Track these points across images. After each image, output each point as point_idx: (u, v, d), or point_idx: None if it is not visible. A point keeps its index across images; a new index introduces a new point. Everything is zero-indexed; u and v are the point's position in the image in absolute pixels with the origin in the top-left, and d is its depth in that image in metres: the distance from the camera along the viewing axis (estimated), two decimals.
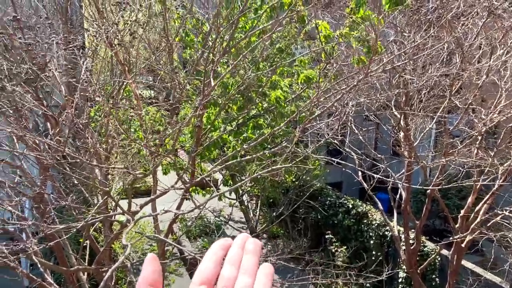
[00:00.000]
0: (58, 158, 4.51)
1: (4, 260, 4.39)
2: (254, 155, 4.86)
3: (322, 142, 6.48)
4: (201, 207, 5.14)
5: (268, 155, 4.64)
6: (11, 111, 4.76)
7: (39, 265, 4.77)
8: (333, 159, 6.58)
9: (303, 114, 6.31)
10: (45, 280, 5.53)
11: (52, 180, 5.07)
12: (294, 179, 10.63)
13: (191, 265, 9.00)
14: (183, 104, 7.46)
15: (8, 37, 4.56)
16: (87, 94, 5.44)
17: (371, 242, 10.15)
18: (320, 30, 6.13)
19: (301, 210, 11.20)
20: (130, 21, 4.46)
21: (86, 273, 5.99)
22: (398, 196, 7.90)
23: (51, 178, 5.00)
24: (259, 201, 11.05)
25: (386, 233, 9.81)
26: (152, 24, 5.77)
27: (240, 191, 9.61)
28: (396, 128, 7.04)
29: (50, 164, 5.03)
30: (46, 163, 5.11)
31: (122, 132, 5.56)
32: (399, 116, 6.81)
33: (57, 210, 5.84)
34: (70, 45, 5.04)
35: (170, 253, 8.32)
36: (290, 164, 4.58)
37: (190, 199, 5.89)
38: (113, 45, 5.03)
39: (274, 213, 10.57)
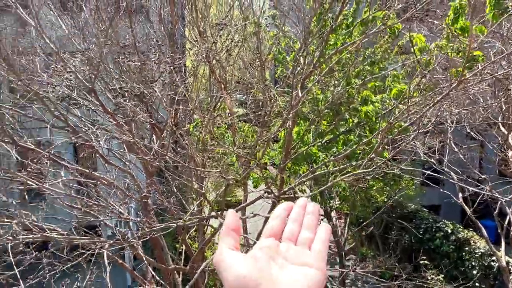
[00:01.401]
0: (161, 164, 5.03)
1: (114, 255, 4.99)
2: (341, 166, 4.84)
3: (413, 159, 6.16)
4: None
5: (355, 168, 4.59)
6: (124, 123, 5.46)
7: (144, 260, 5.27)
8: (429, 177, 6.19)
9: (395, 129, 6.11)
10: (146, 278, 6.10)
11: (155, 185, 5.63)
12: (386, 199, 10.17)
13: None
14: (274, 119, 7.73)
15: (123, 60, 5.28)
16: (187, 109, 5.98)
17: (474, 272, 9.18)
18: (415, 43, 5.93)
19: (393, 232, 10.62)
20: (228, 39, 4.84)
21: (181, 275, 6.45)
22: (506, 222, 7.10)
23: (155, 182, 5.56)
24: (348, 219, 10.76)
25: (492, 263, 8.81)
26: (247, 44, 6.17)
27: (328, 208, 9.48)
28: (503, 146, 6.40)
29: (155, 169, 5.62)
30: (151, 170, 5.71)
31: (217, 143, 5.97)
32: (506, 132, 6.19)
33: (158, 212, 6.43)
34: (175, 65, 5.63)
35: None
36: (371, 169, 4.46)
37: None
38: (211, 63, 5.49)
39: (364, 233, 10.20)
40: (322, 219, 10.36)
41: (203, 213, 7.09)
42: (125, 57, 4.17)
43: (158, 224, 4.64)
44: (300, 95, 4.63)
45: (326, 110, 6.54)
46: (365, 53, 7.15)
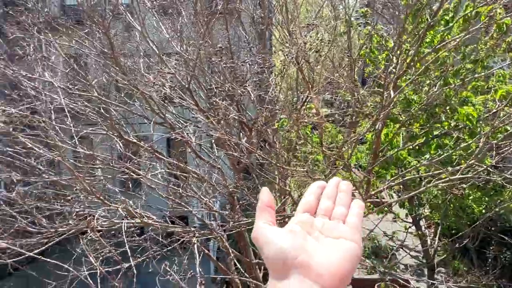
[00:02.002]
0: (249, 161, 5.19)
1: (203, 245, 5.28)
2: (435, 172, 4.54)
3: None
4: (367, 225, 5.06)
5: (452, 174, 4.27)
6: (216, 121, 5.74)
7: (229, 252, 5.49)
8: None
9: (500, 134, 5.54)
10: (230, 269, 6.34)
11: (242, 181, 5.84)
12: (484, 210, 9.27)
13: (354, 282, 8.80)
14: (362, 121, 7.50)
15: (217, 62, 5.55)
16: (274, 108, 6.09)
17: None
18: None
19: (492, 247, 9.65)
20: (318, 39, 4.82)
21: (262, 270, 6.59)
22: None
23: (242, 179, 5.76)
24: (439, 230, 10.03)
25: None
26: (336, 43, 6.08)
27: (417, 216, 8.94)
28: None
29: (242, 167, 5.82)
30: (239, 166, 5.92)
31: (303, 142, 5.98)
32: None
33: (243, 208, 6.65)
34: (264, 66, 5.77)
35: None
36: (470, 175, 4.09)
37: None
38: (300, 63, 5.51)
39: (456, 245, 9.42)
40: (411, 232, 9.82)
41: (286, 212, 7.16)
42: (220, 59, 4.38)
43: (245, 219, 4.80)
44: (392, 95, 4.44)
45: (419, 112, 6.17)
46: (464, 50, 6.59)
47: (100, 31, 4.49)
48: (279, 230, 0.63)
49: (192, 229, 4.95)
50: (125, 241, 3.56)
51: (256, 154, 4.56)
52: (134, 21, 5.31)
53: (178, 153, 7.83)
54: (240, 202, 5.82)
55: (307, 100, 6.31)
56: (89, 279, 3.62)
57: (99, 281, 3.74)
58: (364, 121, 8.08)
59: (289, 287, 0.56)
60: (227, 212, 5.01)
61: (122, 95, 6.45)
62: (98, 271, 3.44)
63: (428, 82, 6.17)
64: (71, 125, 3.79)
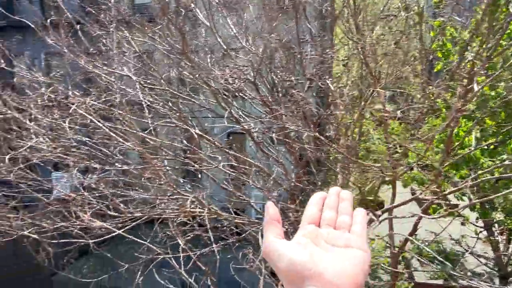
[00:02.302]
0: (312, 156, 5.17)
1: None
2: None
3: None
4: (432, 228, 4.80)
5: None
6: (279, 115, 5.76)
7: None
8: None
9: None
10: None
11: (304, 175, 5.81)
12: None
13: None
14: (428, 118, 7.12)
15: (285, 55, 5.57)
16: (337, 102, 5.98)
17: None
18: None
19: None
20: (388, 32, 4.64)
21: None
22: None
23: (302, 174, 5.74)
24: None
25: None
26: (407, 36, 5.81)
27: (490, 221, 8.33)
28: None
29: (304, 162, 5.80)
30: (301, 161, 5.90)
31: (365, 138, 5.81)
32: None
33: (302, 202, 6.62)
34: (326, 59, 5.68)
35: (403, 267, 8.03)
36: None
37: (428, 218, 5.59)
38: (366, 57, 5.34)
39: None
40: (480, 231, 9.20)
41: None
42: (288, 52, 4.38)
43: (294, 207, 4.78)
44: (476, 88, 4.14)
45: (496, 109, 5.73)
46: None
47: (173, 28, 4.67)
48: (289, 243, 0.63)
49: (253, 220, 5.01)
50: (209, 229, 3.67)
51: (320, 149, 4.49)
52: (203, 17, 5.45)
53: (238, 146, 7.97)
54: (300, 196, 5.80)
55: (372, 95, 6.12)
56: (173, 261, 3.81)
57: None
58: (431, 118, 7.67)
59: None
60: (288, 206, 5.01)
61: (188, 89, 6.68)
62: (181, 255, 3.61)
63: (507, 76, 5.71)
64: (149, 117, 3.99)
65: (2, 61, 4.94)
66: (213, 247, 4.22)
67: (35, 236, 4.08)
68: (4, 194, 4.82)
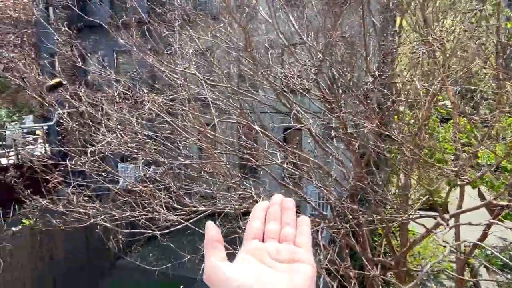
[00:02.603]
0: (372, 154, 5.01)
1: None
2: None
3: None
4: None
5: None
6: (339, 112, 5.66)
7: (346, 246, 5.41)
8: None
9: None
10: (344, 262, 6.25)
11: (366, 176, 5.66)
12: None
13: None
14: (502, 116, 6.61)
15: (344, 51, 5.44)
16: (401, 97, 5.73)
17: None
18: None
19: None
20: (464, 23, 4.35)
21: (379, 268, 6.36)
22: None
23: (364, 174, 5.59)
24: None
25: None
26: (481, 27, 5.41)
27: None
28: None
29: (366, 160, 5.65)
30: (361, 160, 5.75)
31: (430, 136, 5.51)
32: None
33: (363, 202, 6.47)
34: (388, 54, 5.45)
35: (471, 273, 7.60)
36: None
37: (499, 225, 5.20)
38: (434, 51, 5.06)
39: None
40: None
41: (409, 211, 6.75)
42: (351, 47, 4.27)
43: (362, 212, 4.66)
44: None
45: None
46: None
47: (236, 25, 4.74)
48: (233, 266, 0.59)
49: (317, 220, 4.98)
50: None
51: (382, 146, 4.34)
52: (264, 14, 5.47)
53: (295, 142, 7.93)
54: (359, 196, 5.67)
55: (440, 91, 5.79)
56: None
57: None
58: (505, 116, 7.11)
59: None
60: (346, 205, 4.92)
61: (247, 85, 6.77)
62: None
63: None
64: (212, 113, 4.10)
65: (79, 60, 5.32)
66: None
67: (107, 224, 4.37)
68: (79, 183, 5.21)
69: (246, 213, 4.95)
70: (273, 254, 0.61)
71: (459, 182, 4.55)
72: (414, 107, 6.34)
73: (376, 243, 7.67)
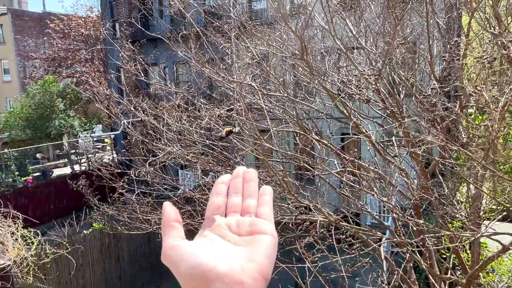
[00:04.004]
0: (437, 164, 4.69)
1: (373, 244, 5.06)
2: None
3: None
4: None
5: None
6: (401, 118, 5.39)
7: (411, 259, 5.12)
8: None
9: None
10: (410, 278, 5.91)
11: (426, 185, 5.33)
12: None
13: None
14: None
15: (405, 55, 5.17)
16: (471, 102, 5.33)
17: None
18: None
19: None
20: None
21: (446, 285, 5.93)
22: None
23: (429, 185, 5.26)
24: None
25: None
26: None
27: None
28: None
29: (431, 169, 5.32)
30: (427, 169, 5.43)
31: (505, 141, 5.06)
32: None
33: (427, 214, 6.09)
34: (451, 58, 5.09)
35: None
36: None
37: None
38: (510, 51, 4.64)
39: None
40: None
41: (482, 226, 6.25)
42: (413, 50, 4.05)
43: (422, 223, 4.37)
44: None
45: None
46: None
47: (291, 33, 4.71)
48: (191, 243, 0.57)
49: (379, 233, 4.77)
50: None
51: (449, 155, 4.05)
52: (320, 20, 5.38)
53: (354, 149, 7.70)
54: (424, 206, 5.34)
55: None
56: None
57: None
58: None
59: None
60: (410, 219, 4.65)
61: (304, 92, 6.70)
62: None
63: None
64: (270, 122, 4.09)
65: (142, 74, 5.59)
66: (336, 258, 4.12)
67: None
68: (142, 191, 5.45)
69: (303, 222, 4.89)
70: (234, 228, 0.59)
71: None
72: (485, 112, 5.88)
73: (444, 256, 7.18)
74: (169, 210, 0.61)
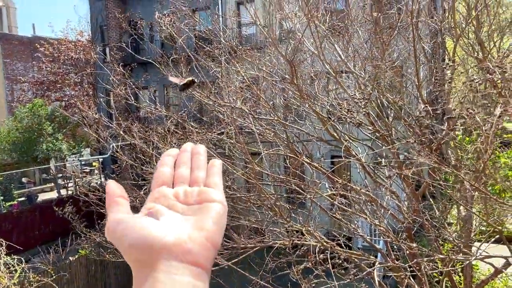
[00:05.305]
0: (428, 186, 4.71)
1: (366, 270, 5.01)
2: None
3: None
4: None
5: None
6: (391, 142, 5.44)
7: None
8: None
9: None
10: None
11: (418, 207, 5.33)
12: None
13: None
14: None
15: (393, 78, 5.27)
16: (458, 124, 5.41)
17: None
18: None
19: None
20: None
21: None
22: None
23: (420, 208, 5.26)
24: None
25: None
26: None
27: None
28: None
29: (422, 191, 5.34)
30: (417, 191, 5.44)
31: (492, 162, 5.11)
32: None
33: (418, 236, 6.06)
34: (438, 80, 5.20)
35: None
36: None
37: None
38: (494, 73, 4.76)
39: None
40: None
41: (473, 247, 6.24)
42: (401, 74, 4.12)
43: (415, 246, 4.34)
44: None
45: None
46: None
47: (281, 57, 4.76)
48: (137, 216, 0.54)
49: (372, 258, 4.72)
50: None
51: (438, 176, 4.07)
52: (309, 44, 5.47)
53: (344, 171, 7.70)
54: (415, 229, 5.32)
55: (500, 116, 5.40)
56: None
57: None
58: None
59: (157, 280, 0.47)
60: (403, 242, 4.62)
61: (293, 115, 6.74)
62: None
63: None
64: (260, 145, 4.08)
65: (132, 97, 5.58)
66: (333, 284, 4.05)
67: None
68: None
69: (295, 247, 4.81)
70: (181, 198, 0.57)
71: None
72: (471, 134, 5.97)
73: (437, 279, 7.11)
74: (114, 187, 0.58)
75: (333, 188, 5.89)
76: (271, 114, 5.11)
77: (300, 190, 5.47)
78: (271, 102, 5.59)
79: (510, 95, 5.10)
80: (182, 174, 0.60)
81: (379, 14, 4.57)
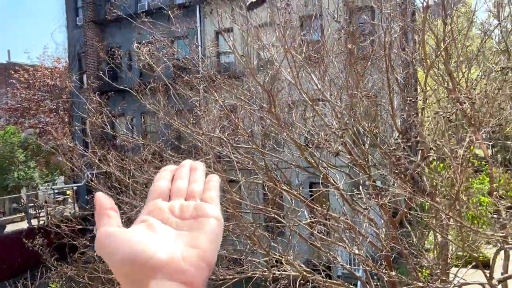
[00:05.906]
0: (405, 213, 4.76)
1: None
2: None
3: None
4: None
5: None
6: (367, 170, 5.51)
7: None
8: None
9: None
10: None
11: (396, 235, 5.38)
12: None
13: None
14: None
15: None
16: (431, 153, 5.55)
17: None
18: None
19: None
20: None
21: None
22: None
23: (396, 233, 5.31)
24: None
25: None
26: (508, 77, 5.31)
27: None
28: None
29: (400, 218, 5.39)
30: (395, 218, 5.49)
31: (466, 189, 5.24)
32: None
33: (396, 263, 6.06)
34: (410, 110, 5.36)
35: None
36: None
37: None
38: (463, 103, 4.96)
39: None
40: None
41: (449, 271, 6.29)
42: (375, 103, 4.23)
43: (395, 274, 4.34)
44: None
45: None
46: None
47: (259, 87, 4.83)
48: (128, 230, 0.52)
49: (352, 287, 4.67)
50: None
51: (415, 204, 4.12)
52: (286, 74, 5.58)
53: (322, 198, 7.73)
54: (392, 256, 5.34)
55: (470, 144, 5.59)
56: None
57: None
58: None
59: None
60: (382, 270, 4.62)
61: (272, 142, 6.78)
62: None
63: None
64: (239, 173, 4.05)
65: (108, 126, 5.50)
66: None
67: None
68: None
69: (276, 280, 4.73)
70: (177, 212, 0.55)
71: (506, 247, 4.20)
72: (445, 161, 6.12)
73: None
74: (103, 198, 0.55)
75: (313, 217, 5.90)
76: (250, 142, 5.12)
77: (279, 219, 5.44)
78: (249, 130, 5.62)
79: (479, 123, 5.31)
80: (179, 187, 0.58)
81: (353, 45, 4.73)
